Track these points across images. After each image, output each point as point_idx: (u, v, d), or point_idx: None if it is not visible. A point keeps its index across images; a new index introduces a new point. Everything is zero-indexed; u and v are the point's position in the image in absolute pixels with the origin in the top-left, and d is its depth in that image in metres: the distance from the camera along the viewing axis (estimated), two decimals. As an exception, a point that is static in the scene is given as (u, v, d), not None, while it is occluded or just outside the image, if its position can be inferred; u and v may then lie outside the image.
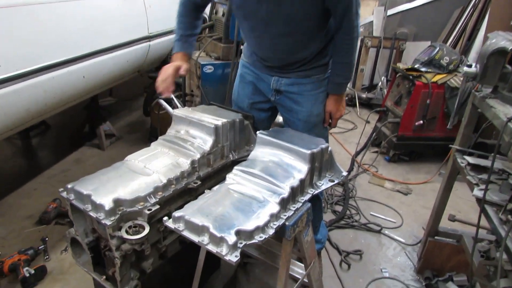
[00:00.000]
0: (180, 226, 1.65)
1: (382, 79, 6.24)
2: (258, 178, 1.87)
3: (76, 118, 4.82)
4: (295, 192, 1.86)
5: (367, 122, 4.88)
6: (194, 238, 1.61)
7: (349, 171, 4.24)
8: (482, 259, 2.12)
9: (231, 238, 1.53)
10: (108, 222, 1.72)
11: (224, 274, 2.79)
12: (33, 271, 2.58)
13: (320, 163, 2.05)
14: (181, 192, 2.04)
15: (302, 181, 1.90)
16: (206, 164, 2.18)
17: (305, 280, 2.35)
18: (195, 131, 2.24)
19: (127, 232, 1.77)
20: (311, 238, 2.11)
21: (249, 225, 1.61)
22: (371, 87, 6.74)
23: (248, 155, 2.39)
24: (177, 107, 2.77)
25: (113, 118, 5.15)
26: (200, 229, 1.60)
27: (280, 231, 1.79)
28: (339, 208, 3.53)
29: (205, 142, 2.19)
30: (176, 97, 3.93)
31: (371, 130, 4.80)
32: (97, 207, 1.76)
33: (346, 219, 3.39)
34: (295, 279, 2.39)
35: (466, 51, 5.82)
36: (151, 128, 4.65)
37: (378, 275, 2.81)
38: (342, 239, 3.16)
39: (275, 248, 2.27)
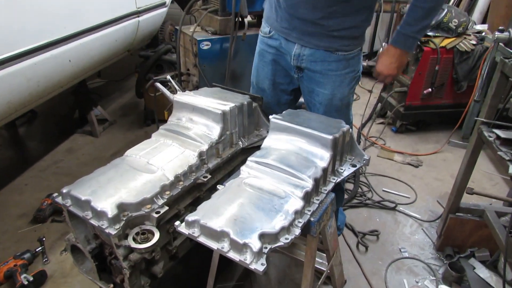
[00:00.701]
0: (195, 232, 1.47)
1: (383, 45, 5.96)
2: (276, 170, 1.67)
3: (65, 104, 4.54)
4: (318, 183, 1.68)
5: (371, 92, 4.67)
6: (213, 245, 1.43)
7: (356, 145, 4.07)
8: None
9: (256, 244, 1.35)
10: (112, 231, 1.53)
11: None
12: (31, 278, 2.40)
13: (342, 147, 1.86)
14: (190, 188, 1.85)
15: (325, 170, 1.71)
16: (215, 155, 1.97)
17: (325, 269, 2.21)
18: (200, 118, 2.02)
19: (134, 239, 1.58)
20: (334, 229, 1.95)
21: (274, 227, 1.43)
22: (371, 54, 6.47)
23: (258, 140, 2.20)
24: (175, 90, 2.53)
25: (104, 101, 4.86)
26: (219, 235, 1.42)
27: (305, 228, 1.62)
28: (349, 187, 3.38)
29: (212, 130, 1.97)
30: (171, 77, 3.69)
31: (376, 101, 4.59)
32: (99, 214, 1.56)
33: (358, 198, 3.25)
34: (316, 269, 2.25)
35: (469, 11, 5.55)
36: (146, 110, 4.39)
37: (397, 255, 2.69)
38: (357, 219, 3.03)
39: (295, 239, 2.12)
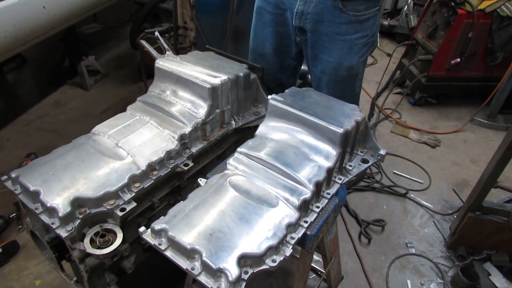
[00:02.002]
0: (162, 243, 1.19)
1: (409, 2, 5.34)
2: (270, 168, 1.36)
3: (56, 51, 4.15)
4: (320, 187, 1.37)
5: (390, 56, 4.20)
6: (182, 263, 1.15)
7: (369, 117, 3.70)
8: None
9: (233, 271, 1.07)
10: (63, 232, 1.26)
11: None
12: (0, 250, 2.20)
13: (354, 140, 1.52)
14: (167, 178, 1.55)
15: (329, 171, 1.39)
16: (201, 138, 1.65)
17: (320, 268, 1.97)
18: (185, 91, 1.68)
19: (92, 241, 1.32)
20: (334, 234, 1.66)
21: (259, 246, 1.15)
22: (395, 12, 5.86)
23: (254, 120, 1.87)
24: (164, 49, 2.15)
25: (99, 50, 4.46)
26: (189, 252, 1.13)
27: (300, 242, 1.33)
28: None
29: (198, 108, 1.64)
30: (164, 31, 3.26)
31: (395, 67, 4.14)
32: (49, 210, 1.28)
33: (365, 180, 2.95)
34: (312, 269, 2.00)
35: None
36: (142, 63, 3.99)
37: (403, 250, 2.43)
38: (361, 205, 2.74)
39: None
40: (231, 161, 1.42)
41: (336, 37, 1.75)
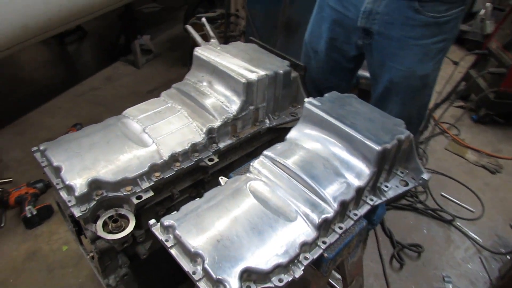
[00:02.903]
0: (169, 240, 1.14)
1: (488, 5, 4.83)
2: (294, 178, 1.26)
3: (114, 28, 4.27)
4: (346, 207, 1.24)
5: (456, 64, 3.85)
6: (185, 264, 1.10)
7: (422, 130, 3.44)
8: None
9: (233, 284, 1.00)
10: (77, 212, 1.25)
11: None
12: (35, 212, 2.31)
13: (393, 160, 1.37)
14: (191, 170, 1.50)
15: (359, 191, 1.26)
16: (230, 133, 1.58)
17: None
18: (220, 83, 1.61)
19: (105, 224, 1.30)
20: (358, 257, 1.53)
21: (266, 262, 1.06)
22: (468, 15, 5.37)
23: (291, 121, 1.77)
24: (209, 36, 2.09)
25: (154, 30, 4.51)
26: (192, 255, 1.08)
27: (315, 263, 1.23)
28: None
29: (231, 102, 1.57)
30: (215, 18, 3.20)
31: (460, 77, 3.79)
32: (67, 187, 1.28)
33: (408, 198, 2.73)
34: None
35: None
36: (188, 49, 4.00)
37: (438, 284, 2.22)
38: (399, 225, 2.55)
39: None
40: (255, 164, 1.33)
41: (409, 41, 1.56)
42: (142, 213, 1.45)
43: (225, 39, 3.11)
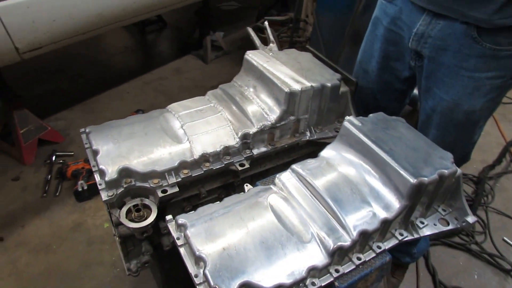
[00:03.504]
0: (180, 238, 1.15)
1: None
2: (317, 199, 1.20)
3: (191, 22, 4.45)
4: (367, 238, 1.16)
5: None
6: (189, 266, 1.10)
7: (494, 165, 3.11)
8: None
9: (229, 297, 0.97)
10: (104, 196, 1.31)
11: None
12: (86, 187, 2.48)
13: (433, 195, 1.25)
14: (222, 171, 1.51)
15: (385, 223, 1.17)
16: (266, 141, 1.56)
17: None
18: (264, 90, 1.59)
19: (129, 211, 1.35)
20: (381, 292, 1.41)
21: (267, 280, 1.02)
22: None
23: (333, 136, 1.69)
24: (269, 40, 2.09)
25: (229, 28, 4.62)
26: (197, 258, 1.07)
27: (325, 289, 1.16)
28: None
29: (272, 110, 1.54)
30: (284, 21, 3.18)
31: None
32: (100, 171, 1.34)
33: (462, 236, 2.49)
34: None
35: None
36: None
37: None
38: (446, 264, 2.33)
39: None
40: (281, 176, 1.29)
41: (459, 71, 1.41)
42: (168, 206, 1.49)
43: (290, 44, 3.08)
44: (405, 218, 1.24)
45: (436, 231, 1.30)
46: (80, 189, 2.46)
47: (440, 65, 1.44)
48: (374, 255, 1.19)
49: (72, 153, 2.83)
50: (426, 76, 1.51)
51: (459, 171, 1.26)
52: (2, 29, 1.86)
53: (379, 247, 1.20)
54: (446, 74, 1.44)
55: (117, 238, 1.68)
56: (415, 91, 1.86)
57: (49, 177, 2.65)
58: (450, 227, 1.32)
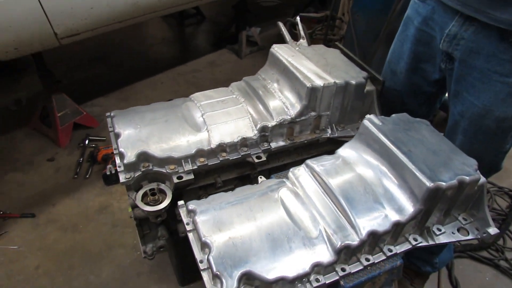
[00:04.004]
0: (190, 224, 1.17)
1: None
2: (329, 197, 1.18)
3: (230, 16, 4.49)
4: (377, 239, 1.13)
5: None
6: (196, 251, 1.12)
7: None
8: None
9: (229, 283, 0.98)
10: (122, 178, 1.35)
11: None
12: (114, 171, 2.54)
13: (452, 202, 1.20)
14: (239, 162, 1.51)
15: (398, 226, 1.13)
16: (285, 136, 1.55)
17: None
18: (286, 84, 1.58)
19: (146, 195, 1.38)
20: (392, 298, 1.37)
21: (269, 271, 1.02)
22: None
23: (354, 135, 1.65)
24: (299, 36, 2.07)
25: (266, 24, 4.60)
26: (202, 244, 1.09)
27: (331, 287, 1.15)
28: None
29: (293, 104, 1.53)
30: (320, 19, 3.14)
31: None
32: (120, 153, 1.39)
33: (491, 250, 2.36)
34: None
35: None
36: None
37: None
38: (471, 278, 2.22)
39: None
40: (295, 170, 1.29)
41: (493, 76, 1.33)
42: (184, 193, 1.51)
43: (324, 42, 3.04)
44: (420, 223, 1.20)
45: (453, 239, 1.25)
46: (108, 173, 2.54)
47: (472, 69, 1.37)
48: (384, 257, 1.16)
49: (105, 138, 2.94)
50: (456, 80, 1.44)
51: (482, 179, 1.20)
52: (42, 15, 1.97)
53: (390, 250, 1.17)
54: (477, 78, 1.37)
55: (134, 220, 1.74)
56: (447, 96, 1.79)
57: (81, 160, 2.77)
58: (470, 237, 1.26)
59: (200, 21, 4.83)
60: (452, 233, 1.26)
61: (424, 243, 1.22)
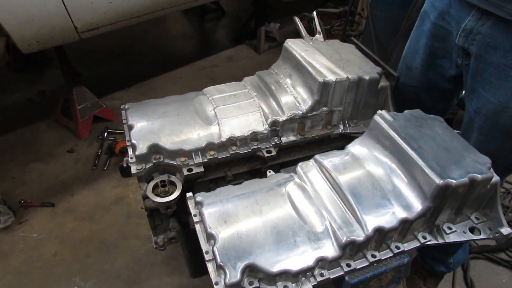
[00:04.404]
0: (197, 215, 1.19)
1: None
2: (336, 193, 1.17)
3: (249, 11, 4.49)
4: (384, 236, 1.12)
5: None
6: (202, 242, 1.14)
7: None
8: None
9: (232, 274, 0.99)
10: (134, 169, 1.39)
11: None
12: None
13: (463, 201, 1.17)
14: (250, 156, 1.52)
15: (405, 223, 1.11)
16: (296, 131, 1.54)
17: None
18: (299, 78, 1.57)
19: (157, 186, 1.41)
20: (400, 296, 1.36)
21: (273, 264, 1.03)
22: None
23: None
24: (315, 31, 2.06)
25: (286, 20, 4.58)
26: (208, 235, 1.10)
27: (337, 284, 1.15)
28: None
29: (304, 99, 1.52)
30: (338, 14, 3.10)
31: None
32: (132, 145, 1.42)
33: (509, 252, 2.29)
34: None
35: None
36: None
37: None
38: (487, 279, 2.17)
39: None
40: (303, 165, 1.28)
41: (509, 72, 1.29)
42: (195, 185, 1.53)
43: (342, 37, 3.00)
44: (429, 221, 1.18)
45: (464, 239, 1.22)
46: (125, 165, 2.59)
47: (488, 64, 1.33)
48: (391, 254, 1.15)
49: (123, 131, 2.97)
50: (472, 76, 1.40)
51: (496, 178, 1.17)
52: (62, 9, 2.02)
53: (397, 248, 1.15)
54: (494, 74, 1.32)
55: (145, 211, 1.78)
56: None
57: (100, 152, 2.83)
58: (482, 236, 1.23)
59: (220, 16, 4.86)
60: (464, 232, 1.24)
61: (434, 242, 1.20)
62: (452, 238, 1.22)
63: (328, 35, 3.03)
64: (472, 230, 1.26)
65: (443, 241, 1.21)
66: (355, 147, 1.30)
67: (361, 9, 2.84)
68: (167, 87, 3.55)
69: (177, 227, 1.64)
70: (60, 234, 2.31)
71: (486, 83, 1.34)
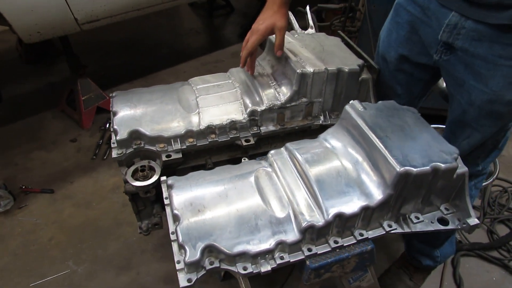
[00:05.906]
0: (169, 197, 1.23)
1: None
2: (302, 178, 1.20)
3: (257, 8, 4.52)
4: (345, 222, 1.14)
5: None
6: (170, 222, 1.18)
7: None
8: None
9: (191, 253, 1.03)
10: (114, 154, 1.44)
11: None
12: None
13: (429, 190, 1.18)
14: (230, 145, 1.56)
15: (367, 210, 1.13)
16: (276, 121, 1.57)
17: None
18: (279, 70, 1.60)
19: (136, 171, 1.46)
20: (369, 284, 1.37)
21: (232, 246, 1.06)
22: None
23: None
24: (308, 25, 2.08)
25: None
26: (174, 216, 1.15)
27: (298, 267, 1.18)
28: (501, 229, 2.36)
29: (284, 90, 1.54)
30: (337, 10, 3.09)
31: None
32: (114, 130, 1.47)
33: (502, 250, 2.26)
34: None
35: None
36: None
37: None
38: (477, 276, 2.14)
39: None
40: (273, 152, 1.31)
41: (498, 61, 1.29)
42: (177, 172, 1.58)
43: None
44: (394, 209, 1.19)
45: (431, 228, 1.23)
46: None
47: (475, 57, 1.32)
48: (354, 241, 1.17)
49: (123, 122, 3.07)
50: (458, 70, 1.39)
51: (463, 168, 1.18)
52: (62, 0, 2.09)
53: (361, 235, 1.17)
54: (483, 66, 1.32)
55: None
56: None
57: (101, 142, 2.92)
58: (449, 227, 1.24)
59: (229, 13, 4.90)
60: (431, 222, 1.25)
61: (399, 230, 1.22)
62: (419, 227, 1.23)
63: (328, 31, 3.04)
64: (441, 220, 1.26)
65: (409, 230, 1.22)
66: (326, 136, 1.33)
67: (361, 5, 2.83)
68: (170, 81, 3.55)
69: (161, 213, 1.69)
70: (57, 219, 2.39)
71: (477, 75, 1.33)
